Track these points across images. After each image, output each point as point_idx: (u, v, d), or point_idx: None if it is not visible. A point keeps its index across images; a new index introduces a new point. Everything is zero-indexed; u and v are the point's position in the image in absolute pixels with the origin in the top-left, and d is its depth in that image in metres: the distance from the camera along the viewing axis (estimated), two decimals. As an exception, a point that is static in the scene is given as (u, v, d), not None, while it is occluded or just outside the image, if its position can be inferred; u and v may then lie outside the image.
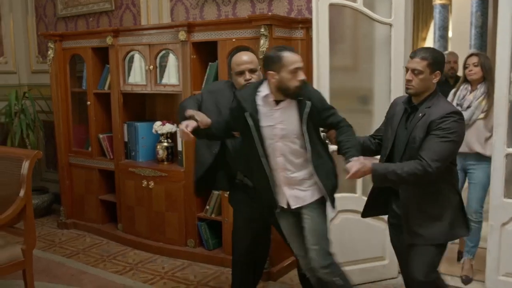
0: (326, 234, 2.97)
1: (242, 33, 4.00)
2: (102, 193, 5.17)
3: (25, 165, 3.41)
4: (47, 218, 5.72)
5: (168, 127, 4.59)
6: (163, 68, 4.55)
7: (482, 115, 3.81)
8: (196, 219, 4.45)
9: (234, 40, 4.01)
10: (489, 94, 3.75)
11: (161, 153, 4.66)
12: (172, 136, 4.68)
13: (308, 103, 2.78)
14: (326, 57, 3.71)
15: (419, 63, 2.68)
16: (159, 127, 4.61)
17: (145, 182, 4.62)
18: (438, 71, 2.71)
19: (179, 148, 4.50)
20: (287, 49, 2.82)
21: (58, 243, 5.00)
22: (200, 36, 4.23)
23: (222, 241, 4.37)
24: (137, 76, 4.73)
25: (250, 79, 3.11)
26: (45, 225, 5.51)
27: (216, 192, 4.32)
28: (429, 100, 2.73)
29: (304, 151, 2.84)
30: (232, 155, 3.23)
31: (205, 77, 4.29)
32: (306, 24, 4.05)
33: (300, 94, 2.78)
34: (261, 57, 3.77)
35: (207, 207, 4.40)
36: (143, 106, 5.11)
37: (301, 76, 2.76)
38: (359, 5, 3.70)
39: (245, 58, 3.17)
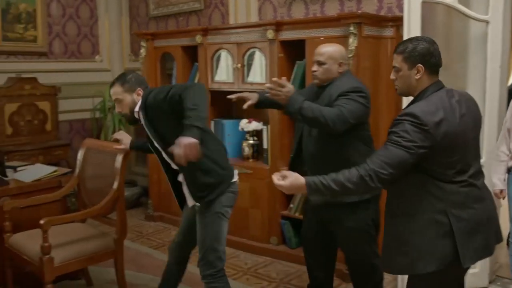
0: (209, 243, 2.93)
1: (331, 31, 3.97)
2: (188, 188, 5.29)
3: (119, 159, 3.56)
4: (135, 210, 5.95)
5: (255, 125, 4.63)
6: (249, 66, 4.61)
7: None
8: (279, 217, 4.47)
9: (322, 38, 3.99)
10: None
11: (247, 150, 4.71)
12: (258, 133, 4.72)
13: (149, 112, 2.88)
14: (417, 56, 3.61)
15: (395, 59, 2.35)
16: (245, 124, 4.66)
17: (231, 179, 4.69)
18: (419, 65, 2.28)
19: (265, 145, 4.54)
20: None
21: (146, 234, 5.19)
22: (288, 35, 4.24)
23: (305, 240, 4.36)
24: (223, 74, 4.81)
25: (315, 71, 3.08)
26: (134, 217, 5.72)
27: (300, 191, 4.31)
28: (416, 101, 2.33)
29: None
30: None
31: (292, 75, 4.30)
32: (397, 22, 3.96)
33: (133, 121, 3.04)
34: (350, 55, 3.75)
35: (291, 205, 4.41)
36: (229, 103, 5.17)
37: (117, 109, 3.06)
38: (453, 1, 3.57)
39: (319, 49, 3.12)
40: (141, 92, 2.98)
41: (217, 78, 4.85)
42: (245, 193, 4.63)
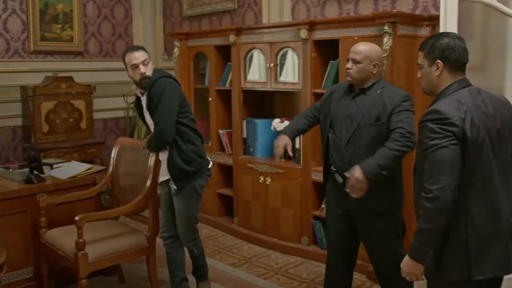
0: (194, 215, 3.54)
1: (365, 30, 3.93)
2: (220, 187, 5.32)
3: (152, 157, 3.59)
4: (167, 208, 5.98)
5: (287, 124, 4.62)
6: (281, 66, 4.60)
7: None
8: (311, 217, 4.45)
9: (356, 38, 3.95)
10: None
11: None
12: None
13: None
14: (453, 56, 3.54)
15: (419, 56, 2.32)
16: (277, 124, 4.66)
17: (262, 178, 4.70)
18: (438, 61, 2.21)
19: (297, 145, 4.52)
20: (130, 48, 3.46)
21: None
22: (321, 34, 4.22)
23: (337, 241, 4.33)
24: (255, 73, 4.82)
25: (349, 69, 3.02)
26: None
27: (332, 191, 4.29)
28: (437, 100, 2.25)
29: None
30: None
31: (325, 75, 4.27)
32: (432, 21, 3.89)
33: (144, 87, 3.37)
34: (384, 55, 3.71)
35: (323, 205, 4.38)
36: (262, 103, 5.19)
37: (142, 70, 3.32)
38: (492, 0, 3.50)
39: (356, 47, 3.06)
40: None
41: (250, 77, 4.86)
42: (276, 192, 4.63)
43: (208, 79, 5.32)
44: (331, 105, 3.07)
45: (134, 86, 3.49)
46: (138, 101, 3.55)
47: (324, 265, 4.25)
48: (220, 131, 5.21)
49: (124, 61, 3.41)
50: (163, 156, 3.46)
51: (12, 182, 3.77)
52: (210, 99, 5.23)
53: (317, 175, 4.34)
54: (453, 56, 2.20)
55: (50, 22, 5.91)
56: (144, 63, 3.33)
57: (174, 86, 3.38)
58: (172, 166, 3.38)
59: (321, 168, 4.28)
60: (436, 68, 2.22)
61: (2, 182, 3.75)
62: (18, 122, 5.71)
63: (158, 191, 3.63)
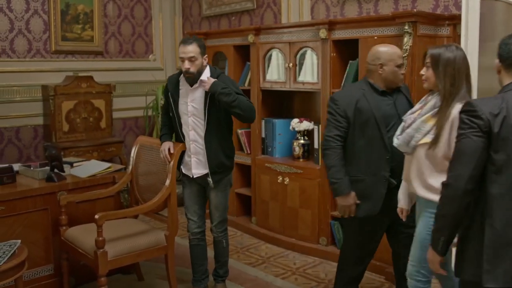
0: (227, 206, 3.74)
1: (385, 30, 3.91)
2: (238, 187, 5.33)
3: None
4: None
5: (306, 125, 4.61)
6: (300, 65, 4.59)
7: (425, 139, 2.67)
8: (329, 218, 4.44)
9: (376, 37, 3.93)
10: (442, 110, 2.63)
11: (298, 150, 4.70)
12: (308, 133, 4.70)
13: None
14: (475, 56, 3.51)
15: None
16: (296, 124, 4.65)
17: (281, 178, 4.69)
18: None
19: (316, 145, 4.51)
20: (183, 40, 3.44)
21: (196, 232, 5.23)
22: (340, 34, 4.20)
23: (355, 241, 4.31)
24: (274, 73, 4.81)
25: (403, 74, 3.23)
26: (183, 214, 5.75)
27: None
28: None
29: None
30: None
31: (345, 75, 4.25)
32: (453, 20, 3.86)
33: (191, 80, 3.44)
34: (404, 55, 3.68)
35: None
36: (280, 103, 5.18)
37: (186, 66, 3.37)
38: (514, -1, 3.46)
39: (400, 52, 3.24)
40: (206, 59, 3.50)
41: (268, 77, 4.85)
42: (294, 192, 4.62)
43: (227, 78, 5.32)
44: (371, 110, 3.07)
45: (182, 76, 3.57)
46: (173, 89, 3.59)
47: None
48: (239, 131, 5.21)
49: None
50: (195, 150, 3.56)
51: (34, 180, 3.81)
52: (229, 98, 5.23)
53: (336, 176, 4.32)
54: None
55: (71, 22, 5.97)
56: (191, 59, 3.37)
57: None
58: (213, 160, 3.50)
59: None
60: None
61: (24, 180, 3.79)
62: (39, 121, 5.77)
63: (177, 190, 3.65)
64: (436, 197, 2.49)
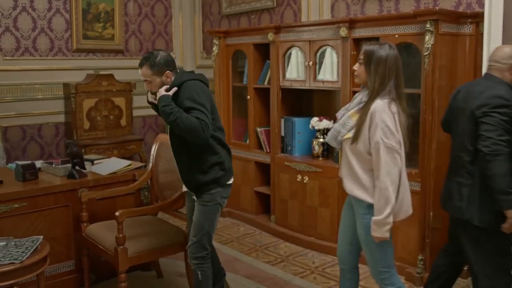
0: (207, 229, 3.14)
1: (406, 28, 3.87)
2: (257, 185, 5.33)
3: (191, 153, 3.61)
4: (205, 205, 6.02)
5: (325, 123, 4.59)
6: (319, 64, 4.57)
7: (349, 135, 2.71)
8: (348, 217, 4.41)
9: (397, 36, 3.90)
10: (366, 106, 2.66)
11: (317, 148, 4.68)
12: (328, 132, 4.66)
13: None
14: (498, 54, 3.46)
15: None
16: (316, 122, 4.64)
17: (300, 177, 4.68)
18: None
19: (335, 144, 4.49)
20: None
21: (215, 229, 5.25)
22: (361, 32, 4.18)
23: (375, 241, 4.28)
24: (294, 71, 4.80)
25: None
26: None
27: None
28: None
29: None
30: None
31: (365, 73, 4.23)
32: (476, 18, 3.81)
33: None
34: (425, 53, 3.65)
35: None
36: (300, 101, 5.17)
37: (146, 87, 3.11)
38: (539, -4, 3.40)
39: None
40: (170, 75, 3.09)
41: (288, 75, 4.84)
42: (313, 191, 4.61)
43: (246, 77, 5.33)
44: None
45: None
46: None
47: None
48: (258, 129, 5.21)
49: None
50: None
51: (55, 177, 3.86)
52: (249, 97, 5.24)
53: (356, 175, 4.30)
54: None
55: (92, 21, 6.02)
56: (146, 81, 3.10)
57: (203, 89, 3.06)
58: (189, 180, 3.15)
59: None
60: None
61: (46, 177, 3.84)
62: (61, 118, 5.84)
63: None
64: (366, 196, 2.66)
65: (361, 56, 2.73)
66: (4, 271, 2.86)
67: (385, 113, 2.61)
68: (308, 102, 5.16)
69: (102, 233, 3.52)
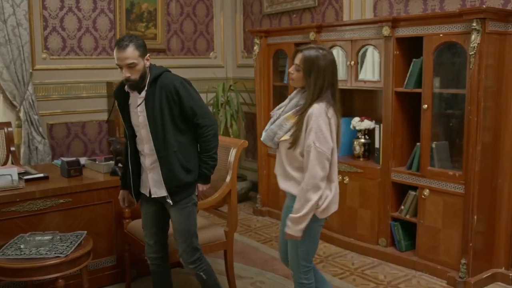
0: (193, 230, 3.09)
1: (451, 27, 3.79)
2: (296, 185, 5.30)
3: (233, 153, 3.64)
4: (244, 204, 6.05)
5: (367, 124, 4.55)
6: (361, 63, 4.52)
7: (286, 137, 2.72)
8: (389, 218, 4.35)
9: (441, 35, 3.83)
10: (304, 112, 2.66)
11: (358, 149, 4.64)
12: (369, 132, 4.63)
13: (165, 91, 2.89)
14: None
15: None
16: (357, 123, 4.59)
17: (340, 177, 4.64)
18: None
19: (376, 145, 4.44)
20: (117, 44, 2.86)
21: (254, 228, 5.27)
22: (404, 31, 4.11)
23: (416, 243, 4.21)
24: (335, 71, 4.76)
25: None
26: (242, 210, 5.83)
27: (412, 193, 4.19)
28: None
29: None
30: None
31: (408, 74, 4.16)
32: (525, 17, 3.70)
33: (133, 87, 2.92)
34: (471, 53, 3.57)
35: (402, 207, 4.28)
36: (341, 101, 5.11)
37: (124, 73, 2.87)
38: None
39: None
40: (149, 58, 2.97)
41: (329, 75, 4.80)
42: (354, 192, 4.57)
43: (287, 76, 5.32)
44: None
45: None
46: (122, 98, 3.08)
47: (402, 268, 4.18)
48: (298, 129, 5.19)
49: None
50: (152, 165, 3.03)
51: (99, 173, 3.93)
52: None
53: (397, 176, 4.25)
54: None
55: (135, 20, 6.11)
56: (130, 66, 2.85)
57: (189, 82, 3.04)
58: (170, 178, 2.96)
59: (401, 169, 4.23)
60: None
61: (89, 174, 3.92)
62: (104, 116, 5.95)
63: (237, 187, 3.59)
64: (295, 191, 2.70)
65: (298, 62, 2.70)
66: (50, 264, 2.94)
67: (322, 118, 2.62)
68: (349, 102, 5.11)
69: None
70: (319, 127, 2.61)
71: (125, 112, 3.07)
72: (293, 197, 2.73)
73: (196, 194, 3.11)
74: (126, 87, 2.99)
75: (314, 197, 2.63)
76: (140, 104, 2.96)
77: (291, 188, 2.75)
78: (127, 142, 3.13)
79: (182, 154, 2.97)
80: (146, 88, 2.93)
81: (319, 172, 2.61)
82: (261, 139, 2.86)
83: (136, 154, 3.11)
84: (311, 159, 2.61)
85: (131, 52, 2.84)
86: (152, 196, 3.07)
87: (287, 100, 2.84)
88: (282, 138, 2.72)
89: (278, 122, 2.75)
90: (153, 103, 2.91)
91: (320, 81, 2.66)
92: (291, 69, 2.75)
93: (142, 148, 3.05)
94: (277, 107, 2.88)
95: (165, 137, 2.93)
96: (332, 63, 2.72)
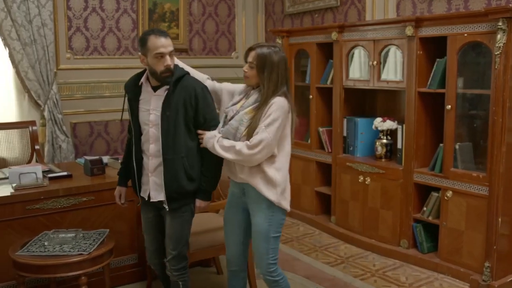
0: (186, 239, 3.07)
1: (476, 27, 3.74)
2: (317, 185, 5.30)
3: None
4: (264, 204, 6.04)
5: (389, 124, 4.51)
6: (383, 63, 4.49)
7: (246, 132, 2.76)
8: (411, 220, 4.31)
9: (466, 35, 3.78)
10: (260, 109, 2.73)
11: (380, 149, 4.60)
12: (392, 133, 4.59)
13: (184, 93, 2.87)
14: None
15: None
16: (379, 123, 4.56)
17: (362, 178, 4.62)
18: None
19: (399, 145, 4.40)
20: (154, 32, 2.84)
21: (274, 228, 5.25)
22: (428, 31, 4.07)
23: (438, 245, 4.17)
24: (356, 71, 4.74)
25: None
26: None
27: (435, 194, 4.14)
28: None
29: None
30: None
31: (431, 74, 4.12)
32: (553, 16, 3.63)
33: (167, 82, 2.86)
34: (497, 53, 3.52)
35: (424, 208, 4.24)
36: (363, 101, 5.10)
37: (168, 61, 2.82)
38: None
39: None
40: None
41: (351, 75, 4.78)
42: (376, 193, 4.54)
43: (309, 76, 5.30)
44: None
45: (144, 77, 2.99)
46: (134, 92, 3.04)
47: (424, 270, 4.14)
48: (320, 129, 5.18)
49: (144, 44, 2.84)
50: (155, 167, 2.96)
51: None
52: (311, 96, 5.21)
53: (419, 177, 4.21)
54: None
55: (158, 20, 6.15)
56: (171, 54, 2.86)
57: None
58: (171, 182, 2.90)
59: (424, 170, 4.19)
60: None
61: (112, 172, 3.95)
62: (126, 115, 5.98)
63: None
64: (267, 191, 2.77)
65: (252, 60, 2.78)
66: (73, 262, 2.98)
67: (282, 111, 2.71)
68: (371, 102, 5.08)
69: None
70: (276, 118, 2.69)
71: (134, 107, 3.01)
72: (260, 196, 2.80)
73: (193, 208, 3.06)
74: (146, 80, 2.96)
75: (230, 156, 2.74)
76: (152, 102, 2.93)
77: (261, 186, 2.80)
78: (131, 139, 3.08)
79: (188, 160, 2.91)
80: (168, 87, 2.89)
81: (255, 154, 2.68)
82: (220, 135, 2.85)
83: (140, 154, 3.02)
84: (257, 140, 2.67)
85: (170, 41, 2.88)
86: (151, 200, 3.00)
87: (238, 96, 2.91)
88: (244, 133, 2.76)
89: (238, 117, 2.78)
90: (170, 102, 2.87)
91: (274, 76, 2.74)
92: (245, 68, 2.81)
93: (147, 148, 2.97)
94: (231, 103, 2.92)
95: (175, 140, 2.88)
96: (284, 59, 2.81)
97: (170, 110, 2.87)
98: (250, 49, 2.81)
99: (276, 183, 2.78)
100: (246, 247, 3.07)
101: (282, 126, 2.74)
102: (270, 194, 2.78)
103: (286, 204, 2.86)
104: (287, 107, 2.74)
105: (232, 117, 2.81)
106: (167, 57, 2.82)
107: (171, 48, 2.85)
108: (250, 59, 2.79)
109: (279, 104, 2.71)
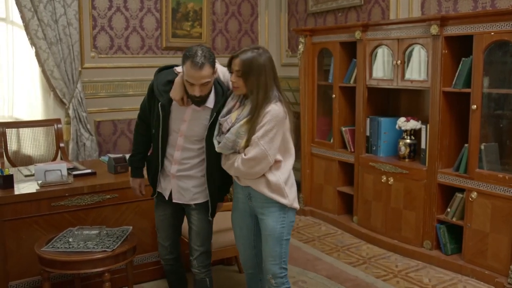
0: (211, 235, 3.12)
1: (503, 25, 3.68)
2: (340, 185, 5.27)
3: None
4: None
5: (413, 124, 4.47)
6: (407, 62, 4.45)
7: (244, 144, 2.67)
8: (435, 221, 4.27)
9: (492, 33, 3.73)
10: (254, 117, 2.63)
11: (403, 149, 4.56)
12: (415, 133, 4.54)
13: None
14: None
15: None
16: (403, 123, 4.52)
17: (385, 178, 4.58)
18: None
19: (423, 145, 4.36)
20: (193, 59, 2.64)
21: (296, 228, 5.24)
22: (453, 30, 4.02)
23: (462, 247, 4.12)
24: (379, 70, 4.70)
25: None
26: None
27: (460, 195, 4.09)
28: None
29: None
30: None
31: (457, 73, 4.07)
32: None
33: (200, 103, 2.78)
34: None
35: (448, 209, 4.19)
36: (386, 101, 5.06)
37: (195, 92, 2.69)
38: None
39: None
40: (216, 70, 2.83)
41: (374, 74, 4.75)
42: (399, 193, 4.50)
43: (332, 75, 5.28)
44: None
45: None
46: (167, 99, 2.88)
47: (447, 272, 4.09)
48: (343, 128, 5.15)
49: (182, 64, 2.72)
50: (179, 173, 2.97)
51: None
52: (334, 96, 5.19)
53: (443, 177, 4.16)
54: None
55: (181, 20, 6.18)
56: (205, 84, 2.70)
57: None
58: (214, 194, 2.99)
59: (448, 170, 4.14)
60: None
61: (135, 170, 3.99)
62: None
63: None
64: (276, 196, 2.71)
65: (237, 68, 2.64)
66: (97, 258, 3.00)
67: (275, 120, 2.61)
68: (395, 101, 5.04)
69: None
70: (270, 129, 2.60)
71: (167, 111, 2.88)
72: (270, 201, 2.75)
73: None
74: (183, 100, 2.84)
75: (237, 174, 2.76)
76: (187, 112, 2.87)
77: (270, 192, 2.74)
78: (141, 127, 3.15)
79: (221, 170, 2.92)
80: (214, 101, 2.83)
81: (253, 167, 2.64)
82: (217, 149, 2.76)
83: (164, 155, 3.00)
84: (251, 155, 2.61)
85: (207, 71, 2.67)
86: (173, 201, 3.03)
87: (232, 101, 2.77)
88: (243, 145, 2.67)
89: (235, 131, 2.66)
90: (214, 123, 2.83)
91: (263, 78, 2.63)
92: (232, 78, 2.68)
93: (171, 152, 2.96)
94: (225, 110, 2.77)
95: (218, 161, 2.90)
96: (270, 59, 2.69)
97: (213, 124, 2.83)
98: (233, 57, 2.67)
99: (280, 186, 2.70)
100: (258, 250, 3.01)
101: (279, 134, 2.64)
102: (279, 197, 2.72)
103: (296, 203, 2.80)
104: (282, 114, 2.63)
105: (228, 130, 2.71)
106: (196, 88, 2.69)
107: (203, 81, 2.67)
108: (236, 67, 2.64)
109: (272, 114, 2.60)
